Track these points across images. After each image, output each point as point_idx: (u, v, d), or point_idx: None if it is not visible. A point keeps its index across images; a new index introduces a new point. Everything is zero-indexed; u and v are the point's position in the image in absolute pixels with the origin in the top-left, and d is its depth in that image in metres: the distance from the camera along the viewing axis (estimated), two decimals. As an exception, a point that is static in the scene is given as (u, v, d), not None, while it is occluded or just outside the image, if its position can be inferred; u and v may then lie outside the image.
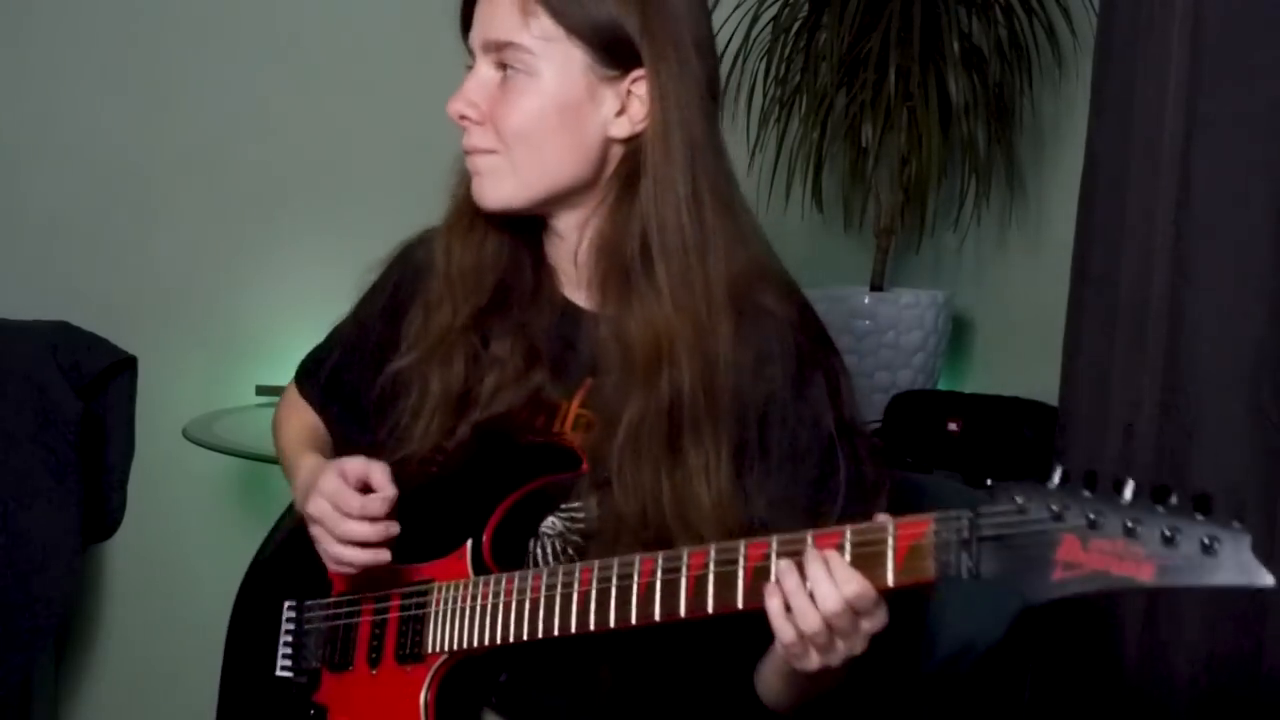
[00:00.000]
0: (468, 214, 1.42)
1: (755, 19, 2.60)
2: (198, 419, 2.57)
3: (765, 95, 2.63)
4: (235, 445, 2.45)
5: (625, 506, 1.32)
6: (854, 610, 1.13)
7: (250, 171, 2.71)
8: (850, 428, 1.35)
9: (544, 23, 1.31)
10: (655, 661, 1.38)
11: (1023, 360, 2.58)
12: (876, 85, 2.48)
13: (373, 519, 1.35)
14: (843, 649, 1.15)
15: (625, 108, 1.34)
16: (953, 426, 2.29)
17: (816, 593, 1.13)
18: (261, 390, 2.67)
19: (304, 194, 2.72)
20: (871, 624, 1.15)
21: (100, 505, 2.34)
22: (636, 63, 1.33)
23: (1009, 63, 2.55)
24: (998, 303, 2.80)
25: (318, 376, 1.62)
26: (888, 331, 2.55)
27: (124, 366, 2.35)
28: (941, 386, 2.69)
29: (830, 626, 1.14)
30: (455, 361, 1.42)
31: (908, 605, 1.22)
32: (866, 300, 2.58)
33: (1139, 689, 1.77)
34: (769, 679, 1.32)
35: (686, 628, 1.25)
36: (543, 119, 1.33)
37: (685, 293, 1.32)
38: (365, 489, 1.37)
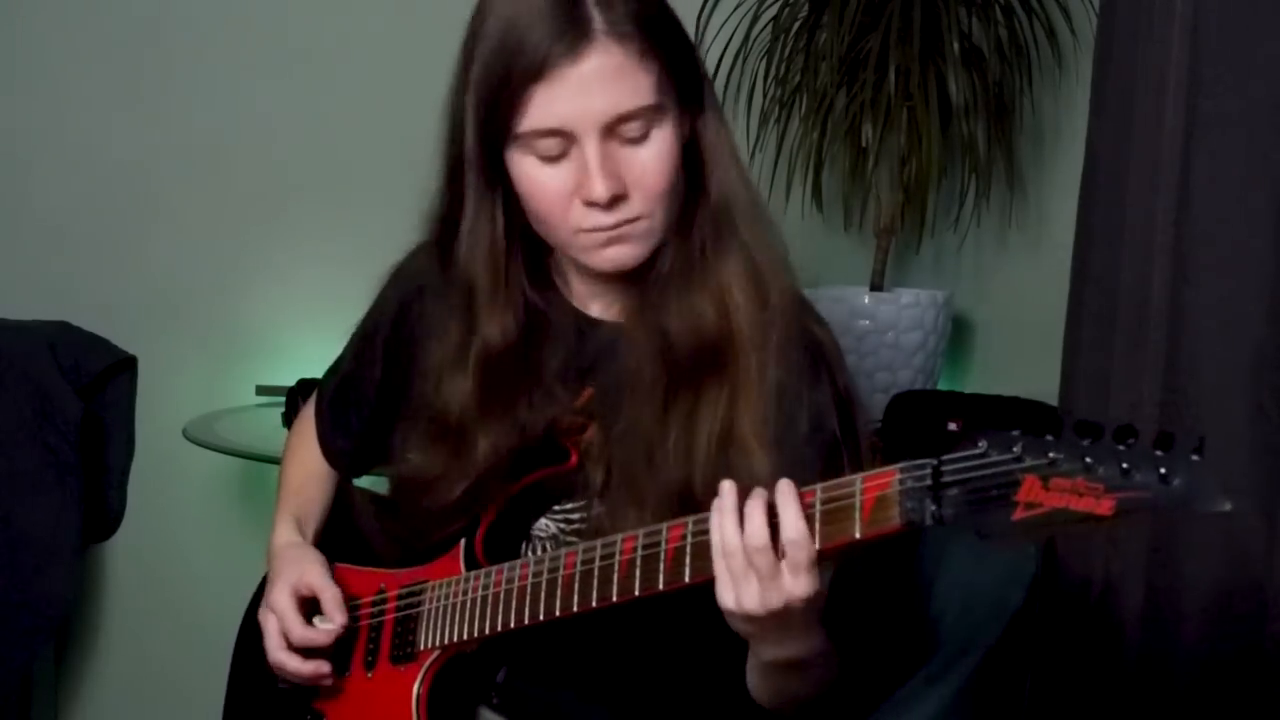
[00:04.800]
0: (493, 288, 1.39)
1: (755, 19, 2.61)
2: (198, 419, 2.57)
3: (765, 95, 2.63)
4: (235, 445, 2.45)
5: (647, 499, 1.31)
6: (772, 553, 1.13)
7: (250, 172, 2.70)
8: (849, 413, 1.36)
9: (660, 73, 1.29)
10: (653, 656, 1.38)
11: (1023, 360, 2.58)
12: (876, 85, 2.48)
13: (313, 648, 1.43)
14: (758, 592, 1.14)
15: (707, 112, 1.36)
16: (953, 426, 2.29)
17: (746, 523, 1.14)
18: (261, 390, 2.67)
19: (304, 195, 2.72)
20: (797, 584, 1.13)
21: (100, 505, 2.34)
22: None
23: (1009, 63, 2.55)
24: (998, 303, 2.80)
25: (329, 389, 1.64)
26: (888, 331, 2.55)
27: (124, 366, 2.35)
28: (941, 386, 2.69)
29: (749, 557, 1.13)
30: (482, 442, 1.40)
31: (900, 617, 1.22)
32: (866, 300, 2.58)
33: (1139, 689, 1.77)
34: (749, 674, 1.32)
35: (684, 623, 1.25)
36: (676, 165, 1.31)
37: (744, 288, 1.33)
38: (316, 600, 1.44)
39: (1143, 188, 1.76)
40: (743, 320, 1.32)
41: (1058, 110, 2.66)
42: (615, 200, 1.28)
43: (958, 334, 2.76)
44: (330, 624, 1.44)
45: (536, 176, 1.30)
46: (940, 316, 2.60)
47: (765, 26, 2.61)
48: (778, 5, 2.60)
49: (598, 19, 1.25)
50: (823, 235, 2.81)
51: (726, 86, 2.62)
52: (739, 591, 1.15)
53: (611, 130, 1.27)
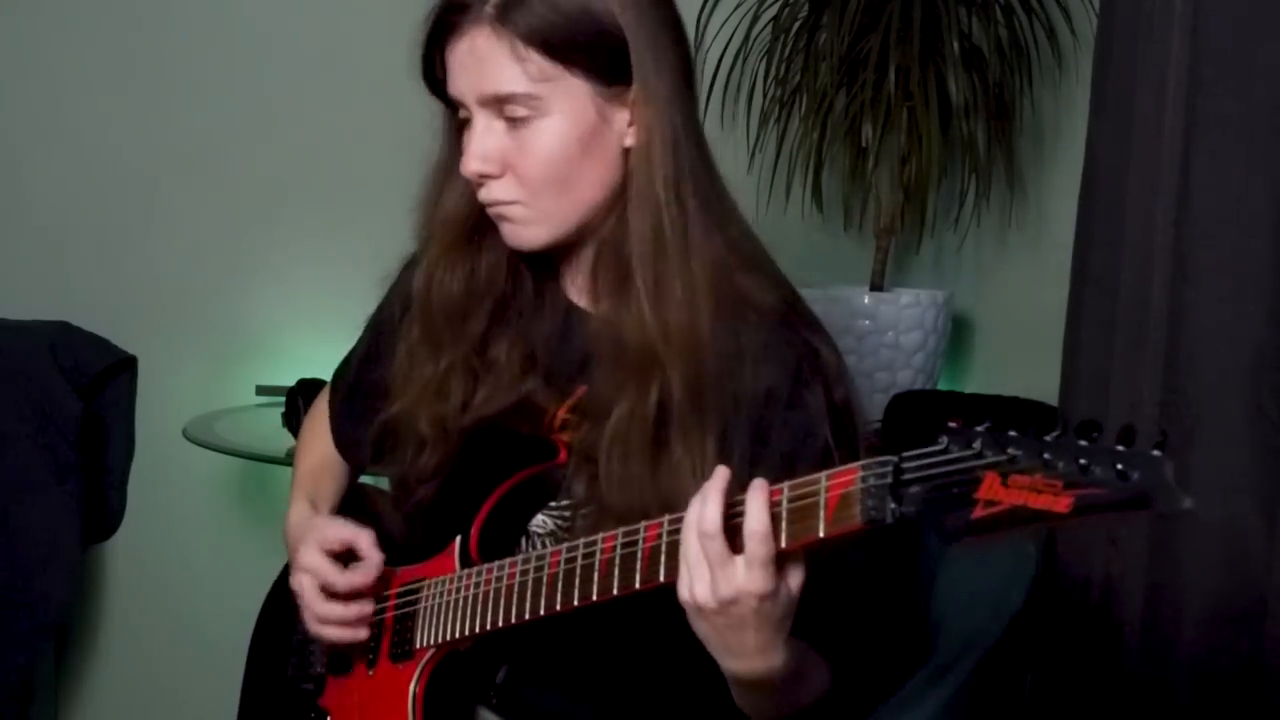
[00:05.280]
0: (448, 244, 1.41)
1: (755, 19, 2.61)
2: (198, 419, 2.57)
3: (765, 95, 2.63)
4: (235, 445, 2.45)
5: (612, 501, 1.32)
6: (722, 540, 1.12)
7: (250, 171, 2.71)
8: (845, 425, 1.35)
9: (540, 64, 1.29)
10: (652, 660, 1.38)
11: (1023, 360, 2.58)
12: (876, 85, 2.48)
13: (355, 595, 1.41)
14: (709, 581, 1.13)
15: (634, 118, 1.33)
16: (953, 426, 2.29)
17: (703, 512, 1.13)
18: (261, 390, 2.67)
19: (304, 194, 2.72)
20: (752, 578, 1.11)
21: (100, 505, 2.35)
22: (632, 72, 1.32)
23: (1009, 63, 2.55)
24: (998, 303, 2.80)
25: (343, 383, 1.64)
26: (888, 331, 2.55)
27: (124, 366, 2.36)
28: (941, 386, 2.69)
29: (704, 548, 1.13)
30: (453, 395, 1.42)
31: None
32: (866, 300, 2.58)
33: (1139, 689, 1.77)
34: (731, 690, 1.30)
35: (683, 627, 1.25)
36: (566, 159, 1.31)
37: (671, 294, 1.31)
38: (350, 552, 1.43)
39: (1143, 188, 1.76)
40: (673, 339, 1.30)
41: (1058, 110, 2.66)
42: (485, 177, 1.33)
43: (958, 334, 2.76)
44: (371, 560, 1.41)
45: (463, 142, 1.35)
46: (940, 316, 2.60)
47: (765, 26, 2.61)
48: (778, 5, 2.60)
49: (493, 1, 1.29)
50: (823, 235, 2.81)
51: (727, 86, 2.62)
52: (692, 578, 1.14)
53: (498, 109, 1.31)
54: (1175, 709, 1.73)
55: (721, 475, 1.15)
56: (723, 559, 1.12)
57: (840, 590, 1.26)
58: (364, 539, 1.42)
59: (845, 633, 1.31)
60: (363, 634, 1.43)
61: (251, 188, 2.71)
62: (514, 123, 1.31)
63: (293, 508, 1.56)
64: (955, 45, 2.48)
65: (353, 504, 1.62)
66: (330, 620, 1.42)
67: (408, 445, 1.45)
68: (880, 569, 1.35)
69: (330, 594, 1.42)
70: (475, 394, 1.42)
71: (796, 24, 2.60)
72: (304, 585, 1.43)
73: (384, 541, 1.52)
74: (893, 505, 1.04)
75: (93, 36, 2.63)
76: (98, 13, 2.62)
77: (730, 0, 2.60)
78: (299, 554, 1.44)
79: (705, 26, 2.52)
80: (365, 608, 1.42)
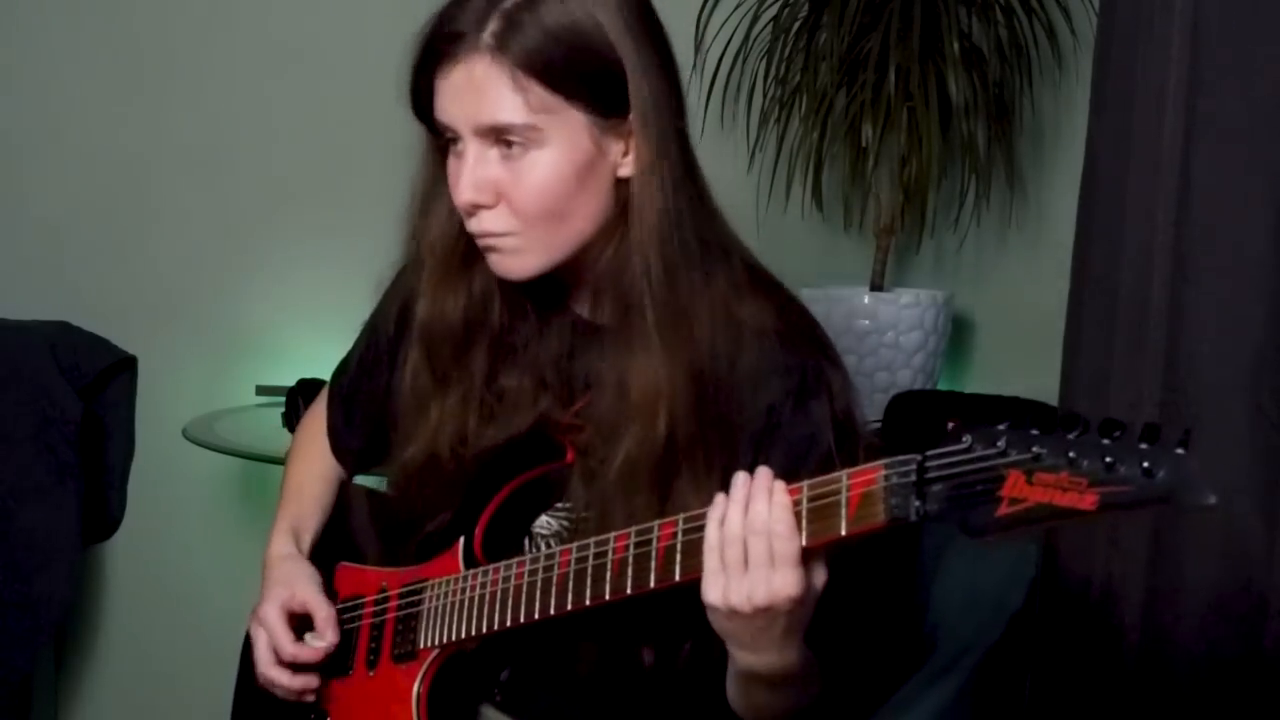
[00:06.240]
0: (441, 270, 1.40)
1: (755, 19, 2.61)
2: (198, 419, 2.57)
3: (765, 95, 2.63)
4: (235, 445, 2.45)
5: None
6: (770, 543, 1.13)
7: (250, 171, 2.71)
8: (848, 434, 1.35)
9: (541, 95, 1.27)
10: (654, 658, 1.38)
11: (1023, 360, 2.58)
12: (876, 85, 2.48)
13: (301, 663, 1.44)
14: (747, 586, 1.14)
15: (629, 148, 1.32)
16: (953, 426, 2.29)
17: (750, 508, 1.14)
18: (261, 390, 2.67)
19: (304, 194, 2.72)
20: (784, 579, 1.13)
21: (100, 505, 2.35)
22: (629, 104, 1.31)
23: (1009, 63, 2.56)
24: (998, 303, 2.80)
25: (340, 386, 1.64)
26: (888, 331, 2.55)
27: (124, 366, 2.36)
28: (941, 386, 2.69)
29: (746, 545, 1.14)
30: (468, 430, 1.41)
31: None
32: (866, 300, 2.59)
33: (1139, 689, 1.77)
34: (728, 683, 1.31)
35: (686, 625, 1.26)
36: (562, 190, 1.30)
37: (673, 328, 1.31)
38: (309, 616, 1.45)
39: (1143, 188, 1.76)
40: (677, 374, 1.30)
41: (1058, 110, 2.66)
42: (477, 207, 1.31)
43: (958, 334, 2.76)
44: (321, 641, 1.45)
45: (449, 169, 1.33)
46: (940, 316, 2.60)
47: (765, 26, 2.61)
48: (778, 5, 2.60)
49: (490, 30, 1.27)
50: (823, 235, 2.81)
51: (727, 87, 2.62)
52: (728, 583, 1.14)
53: (494, 138, 1.29)
54: (1175, 709, 1.73)
55: (765, 474, 1.16)
56: (767, 558, 1.13)
57: (838, 590, 1.26)
58: (323, 615, 1.45)
59: (843, 634, 1.31)
60: (308, 699, 1.46)
61: (251, 188, 2.71)
62: (509, 152, 1.29)
63: (275, 537, 1.56)
64: (955, 45, 2.48)
65: (341, 510, 1.61)
66: (275, 685, 1.46)
67: (419, 476, 1.43)
68: (878, 569, 1.35)
69: (278, 659, 1.45)
70: (488, 427, 1.41)
71: (796, 24, 2.61)
72: (258, 638, 1.46)
73: (365, 541, 1.53)
74: (917, 503, 1.05)
75: (93, 36, 2.63)
76: (98, 13, 2.62)
77: (730, 0, 2.60)
78: (262, 605, 1.47)
79: (705, 26, 2.52)
80: (310, 682, 1.45)
